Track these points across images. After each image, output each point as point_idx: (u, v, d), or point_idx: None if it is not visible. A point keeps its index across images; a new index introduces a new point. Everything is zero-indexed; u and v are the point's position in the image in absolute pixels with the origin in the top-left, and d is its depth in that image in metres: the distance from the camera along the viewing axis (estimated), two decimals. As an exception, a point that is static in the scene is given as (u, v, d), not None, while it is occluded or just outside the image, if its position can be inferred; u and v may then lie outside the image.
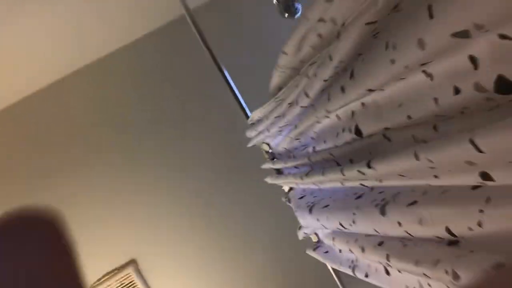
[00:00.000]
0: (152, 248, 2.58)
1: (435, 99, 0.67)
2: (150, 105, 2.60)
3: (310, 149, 1.32)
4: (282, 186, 1.74)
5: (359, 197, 1.04)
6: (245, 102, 1.75)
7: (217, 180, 2.61)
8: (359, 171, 0.86)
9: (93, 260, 2.47)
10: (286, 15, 1.74)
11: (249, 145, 1.77)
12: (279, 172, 1.71)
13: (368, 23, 0.78)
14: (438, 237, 0.75)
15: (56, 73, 2.49)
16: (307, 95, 1.11)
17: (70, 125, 2.54)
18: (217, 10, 2.61)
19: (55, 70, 2.45)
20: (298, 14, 1.74)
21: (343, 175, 0.94)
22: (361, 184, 0.98)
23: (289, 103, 1.24)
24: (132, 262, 2.55)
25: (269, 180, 1.72)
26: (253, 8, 2.63)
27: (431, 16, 0.55)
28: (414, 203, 0.79)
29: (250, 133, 1.69)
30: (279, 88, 1.31)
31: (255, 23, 2.64)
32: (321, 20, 0.85)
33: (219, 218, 2.61)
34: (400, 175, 0.77)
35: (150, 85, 2.61)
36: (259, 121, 1.59)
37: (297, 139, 1.43)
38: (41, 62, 2.27)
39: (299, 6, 1.75)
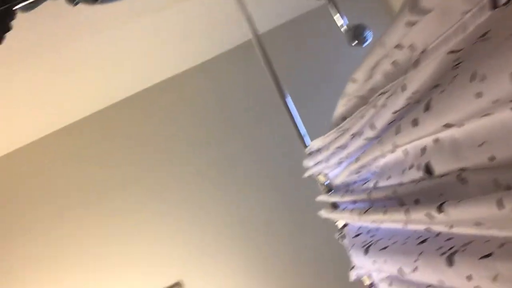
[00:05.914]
0: (199, 271, 2.53)
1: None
2: (204, 128, 2.61)
3: (370, 185, 1.24)
4: (336, 221, 1.65)
5: (422, 242, 0.94)
6: (306, 131, 1.70)
7: (268, 210, 2.55)
8: (427, 215, 0.78)
9: (140, 281, 2.49)
10: (355, 43, 1.69)
11: (306, 175, 1.71)
12: (334, 206, 1.63)
13: (451, 52, 0.72)
14: (517, 298, 0.65)
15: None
16: (373, 127, 1.05)
17: (131, 142, 2.61)
18: (284, 35, 2.61)
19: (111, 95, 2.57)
20: (367, 43, 1.68)
21: (409, 217, 0.86)
22: (427, 229, 0.89)
23: (352, 134, 1.18)
24: (178, 285, 2.52)
25: (323, 213, 1.64)
26: (322, 34, 2.60)
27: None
28: (488, 255, 0.69)
29: (308, 163, 1.63)
30: (343, 118, 1.25)
31: (323, 50, 2.60)
32: (398, 46, 0.79)
33: (269, 246, 2.54)
34: (477, 223, 0.68)
35: (209, 107, 2.63)
36: (319, 151, 1.53)
37: (357, 172, 1.36)
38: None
39: (369, 34, 1.69)
